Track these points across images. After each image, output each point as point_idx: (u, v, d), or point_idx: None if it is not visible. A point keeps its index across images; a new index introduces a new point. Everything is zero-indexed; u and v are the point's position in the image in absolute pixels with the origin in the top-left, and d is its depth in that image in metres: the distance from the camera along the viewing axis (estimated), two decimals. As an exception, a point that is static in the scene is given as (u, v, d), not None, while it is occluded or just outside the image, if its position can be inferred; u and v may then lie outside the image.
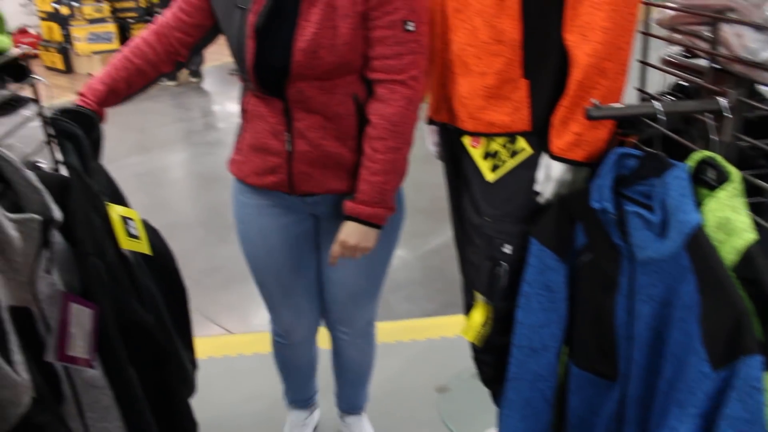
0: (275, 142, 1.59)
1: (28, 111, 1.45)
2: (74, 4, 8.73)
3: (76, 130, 1.40)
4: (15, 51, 1.34)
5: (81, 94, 1.60)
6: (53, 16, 9.19)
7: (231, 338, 2.99)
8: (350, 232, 1.59)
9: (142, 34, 1.69)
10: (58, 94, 8.55)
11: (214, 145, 5.75)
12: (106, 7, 8.68)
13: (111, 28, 8.64)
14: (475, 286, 1.73)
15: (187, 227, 4.13)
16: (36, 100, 1.43)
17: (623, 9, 1.34)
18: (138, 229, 1.54)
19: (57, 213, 1.18)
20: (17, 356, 1.07)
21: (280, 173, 1.63)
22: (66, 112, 1.49)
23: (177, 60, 1.70)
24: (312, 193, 1.65)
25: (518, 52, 1.46)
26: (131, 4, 8.77)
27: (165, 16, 1.68)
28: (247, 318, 3.18)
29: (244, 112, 1.67)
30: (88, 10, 8.67)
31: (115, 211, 1.49)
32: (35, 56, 10.08)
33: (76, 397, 1.31)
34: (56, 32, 9.29)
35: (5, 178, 1.19)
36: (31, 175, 1.18)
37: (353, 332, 2.00)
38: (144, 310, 1.48)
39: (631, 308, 1.35)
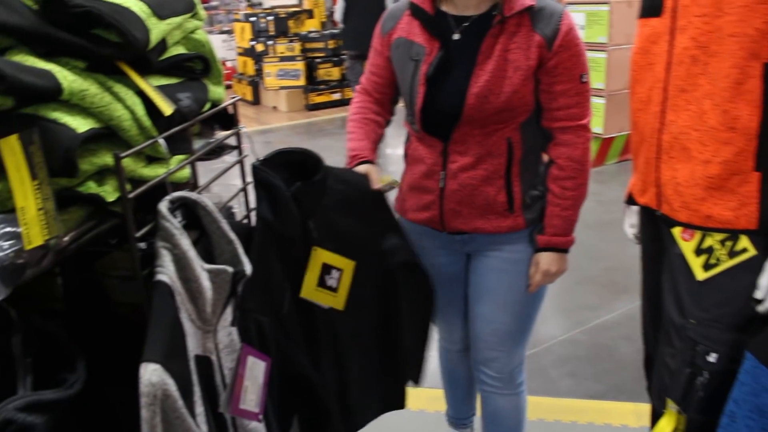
0: (430, 182, 1.75)
1: (230, 157, 1.51)
2: (269, 42, 9.38)
3: (274, 180, 1.41)
4: (226, 102, 1.39)
5: (357, 156, 1.75)
6: (249, 52, 9.94)
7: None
8: (550, 261, 1.75)
9: (356, 101, 1.90)
10: (245, 123, 9.18)
11: (382, 186, 5.80)
12: (297, 47, 9.23)
13: (300, 66, 9.16)
14: (667, 391, 1.55)
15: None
16: (238, 149, 1.47)
17: None
18: (341, 281, 1.53)
19: (248, 267, 1.19)
20: (199, 408, 1.07)
21: (433, 209, 1.77)
22: (269, 161, 1.50)
23: (389, 112, 1.91)
24: (461, 230, 1.78)
25: (753, 142, 1.30)
26: (320, 45, 9.25)
27: (362, 84, 1.89)
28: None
29: (406, 156, 1.85)
30: (281, 48, 9.26)
31: (321, 258, 1.48)
32: (229, 87, 10.91)
33: (239, 449, 1.31)
34: (250, 66, 10.03)
35: (202, 225, 1.22)
36: (226, 227, 1.20)
37: (499, 378, 1.97)
38: (309, 364, 1.46)
39: None
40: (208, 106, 1.29)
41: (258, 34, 9.81)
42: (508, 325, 1.86)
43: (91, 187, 0.98)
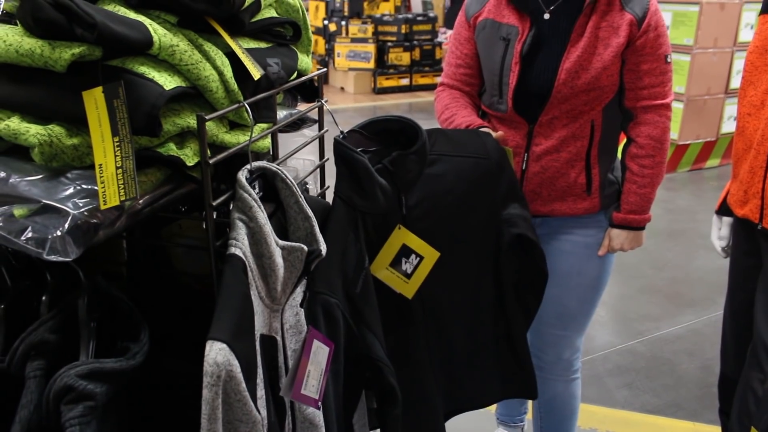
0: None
1: (310, 131, 1.44)
2: (342, 22, 9.34)
3: (356, 155, 1.33)
4: (313, 73, 1.32)
5: (475, 124, 1.75)
6: (321, 31, 9.92)
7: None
8: (623, 239, 1.79)
9: (443, 97, 1.88)
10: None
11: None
12: (369, 29, 9.16)
13: (371, 48, 9.09)
14: (752, 419, 1.43)
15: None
16: (319, 122, 1.41)
17: None
18: (417, 269, 1.44)
19: (323, 247, 1.12)
20: (261, 391, 1.02)
21: None
22: (356, 131, 1.42)
23: (477, 105, 1.88)
24: (536, 213, 1.79)
25: None
26: (393, 29, 9.17)
27: (446, 81, 1.89)
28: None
29: None
30: (354, 29, 9.22)
31: (403, 238, 1.40)
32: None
33: (294, 433, 1.25)
34: (321, 46, 10.01)
35: (279, 198, 1.16)
36: (304, 202, 1.13)
37: (558, 363, 2.00)
38: (379, 346, 1.38)
39: None
40: (294, 75, 1.22)
41: (332, 13, 9.78)
42: (572, 309, 1.89)
43: (172, 149, 0.92)
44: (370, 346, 1.36)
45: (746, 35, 5.45)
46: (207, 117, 0.93)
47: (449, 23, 7.81)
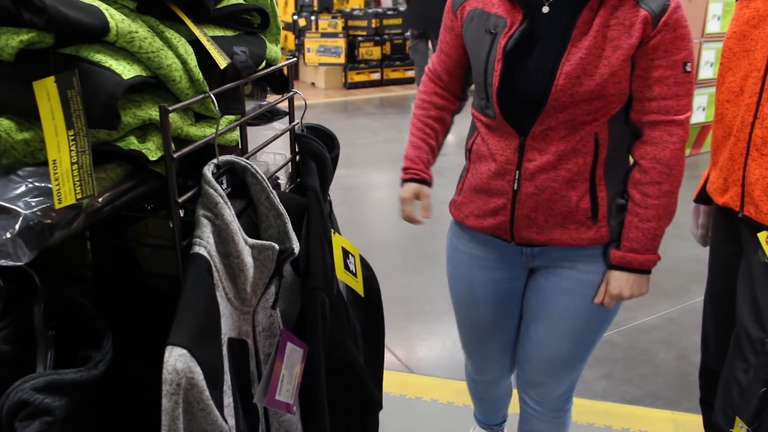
0: (501, 183, 1.53)
1: (280, 123, 1.39)
2: (312, 17, 9.25)
3: (323, 150, 1.30)
4: (283, 63, 1.27)
5: (410, 169, 1.68)
6: (291, 26, 9.82)
7: (410, 378, 2.85)
8: (623, 284, 1.51)
9: (421, 88, 1.77)
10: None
11: (419, 171, 5.68)
12: (339, 24, 9.09)
13: (341, 43, 9.02)
14: (735, 409, 1.41)
15: (383, 250, 4.07)
16: (290, 114, 1.36)
17: None
18: (356, 266, 1.42)
19: (296, 246, 1.07)
20: (228, 399, 0.96)
21: (501, 215, 1.55)
22: (312, 129, 1.40)
23: (458, 98, 1.75)
24: (532, 242, 1.55)
25: None
26: (363, 23, 9.11)
27: (432, 65, 1.73)
28: (431, 358, 3.02)
29: (470, 152, 1.63)
30: (324, 24, 9.14)
31: (339, 241, 1.38)
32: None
33: (269, 440, 1.20)
34: (291, 41, 9.91)
35: (249, 194, 1.10)
36: (276, 198, 1.08)
37: (544, 404, 1.80)
38: (357, 352, 1.35)
39: None
40: (262, 65, 1.16)
41: (301, 8, 9.69)
42: (564, 352, 1.67)
43: (133, 143, 0.86)
44: (350, 350, 1.32)
45: (713, 26, 5.50)
46: (170, 108, 0.87)
47: (409, 22, 7.69)
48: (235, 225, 0.97)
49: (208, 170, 0.96)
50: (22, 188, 0.76)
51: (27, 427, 0.73)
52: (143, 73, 0.87)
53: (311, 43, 9.12)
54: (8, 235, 0.71)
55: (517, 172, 1.49)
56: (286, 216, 1.10)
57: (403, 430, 2.44)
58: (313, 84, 9.46)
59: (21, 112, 0.79)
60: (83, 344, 0.87)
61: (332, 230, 1.38)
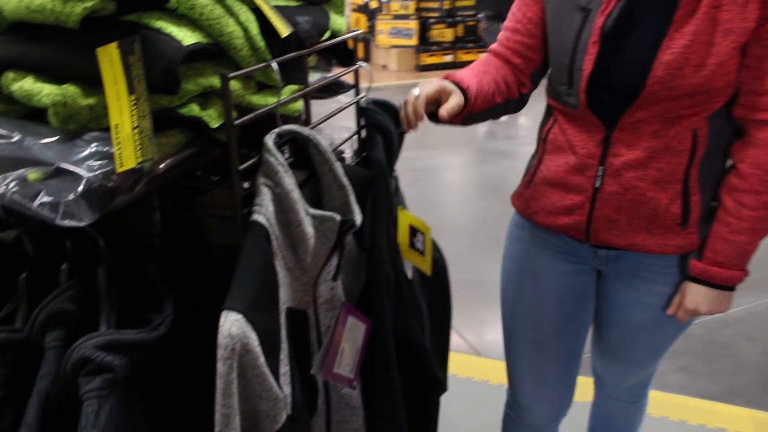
0: (580, 178, 1.35)
1: (346, 97, 1.38)
2: (383, 0, 9.24)
3: (389, 124, 1.27)
4: (348, 35, 1.26)
5: (449, 77, 1.35)
6: (362, 8, 9.82)
7: (478, 361, 2.82)
8: (700, 299, 1.34)
9: (483, 59, 1.49)
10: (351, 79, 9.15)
11: (492, 154, 5.62)
12: (411, 5, 9.03)
13: (413, 25, 8.97)
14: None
15: (453, 232, 4.04)
16: (355, 87, 1.34)
17: None
18: (425, 244, 1.40)
19: (358, 217, 1.06)
20: (284, 367, 0.96)
21: (578, 215, 1.38)
22: (378, 104, 1.38)
23: (521, 90, 1.47)
24: (610, 245, 1.38)
25: None
26: (435, 5, 9.02)
27: (500, 43, 1.48)
28: (499, 342, 2.98)
29: (544, 141, 1.44)
30: (395, 6, 9.10)
31: (407, 218, 1.36)
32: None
33: (328, 414, 1.20)
34: (362, 23, 9.92)
35: (313, 166, 1.10)
36: (340, 170, 1.07)
37: (618, 393, 1.72)
38: (420, 331, 1.33)
39: None
40: (327, 35, 1.15)
41: (374, -10, 9.69)
42: (639, 357, 1.56)
43: (194, 109, 0.87)
44: (412, 329, 1.30)
45: None
46: (230, 75, 0.87)
47: (483, 3, 7.54)
48: (296, 194, 0.96)
49: (270, 139, 0.96)
50: (86, 152, 0.77)
51: (89, 382, 0.75)
52: (204, 40, 0.87)
53: (383, 25, 9.10)
54: (72, 197, 0.73)
55: (600, 167, 1.32)
56: (349, 188, 1.09)
57: (468, 413, 2.42)
58: (384, 66, 9.45)
59: (86, 79, 0.80)
60: (145, 308, 0.89)
61: (400, 206, 1.36)
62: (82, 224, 0.72)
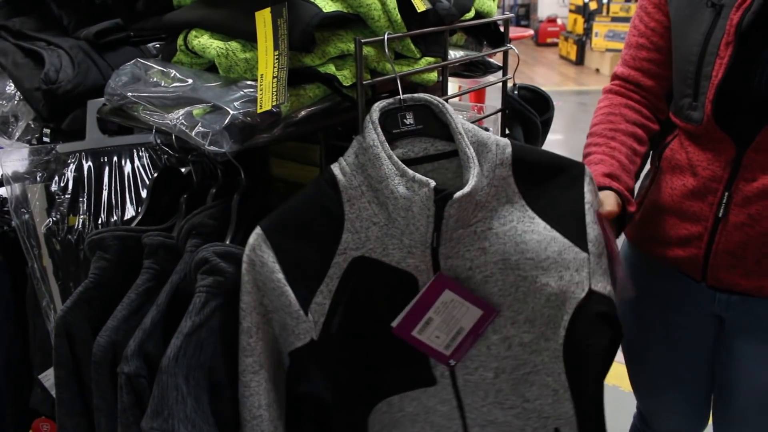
0: (699, 205, 1.20)
1: (492, 78, 1.46)
2: (604, 0, 8.94)
3: (526, 110, 1.33)
4: (497, 17, 1.33)
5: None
6: (580, 9, 9.60)
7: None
8: None
9: (599, 106, 1.36)
10: (562, 82, 8.94)
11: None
12: (633, 7, 8.64)
13: (631, 28, 8.60)
14: None
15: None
16: (503, 68, 1.41)
17: None
18: None
19: (462, 191, 1.10)
20: (322, 300, 0.99)
21: (693, 247, 1.22)
22: (526, 89, 1.43)
23: (659, 117, 1.33)
24: (731, 288, 1.20)
25: None
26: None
27: (625, 63, 1.35)
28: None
29: (659, 157, 1.30)
30: (615, 7, 8.78)
31: None
32: (554, 44, 10.68)
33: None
34: (579, 25, 9.71)
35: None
36: (464, 141, 1.13)
37: None
38: None
39: None
40: (471, 14, 1.24)
41: (594, -9, 9.43)
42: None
43: (330, 69, 1.01)
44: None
45: None
46: (364, 41, 1.00)
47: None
48: (379, 150, 0.96)
49: (379, 105, 1.00)
50: (237, 95, 0.95)
51: (204, 279, 0.93)
52: (344, 10, 1.01)
53: (600, 27, 8.84)
54: (218, 128, 0.91)
55: (726, 193, 1.15)
56: (474, 160, 1.03)
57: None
58: (597, 70, 9.16)
59: (246, 37, 0.98)
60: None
61: None
62: (222, 150, 0.90)
